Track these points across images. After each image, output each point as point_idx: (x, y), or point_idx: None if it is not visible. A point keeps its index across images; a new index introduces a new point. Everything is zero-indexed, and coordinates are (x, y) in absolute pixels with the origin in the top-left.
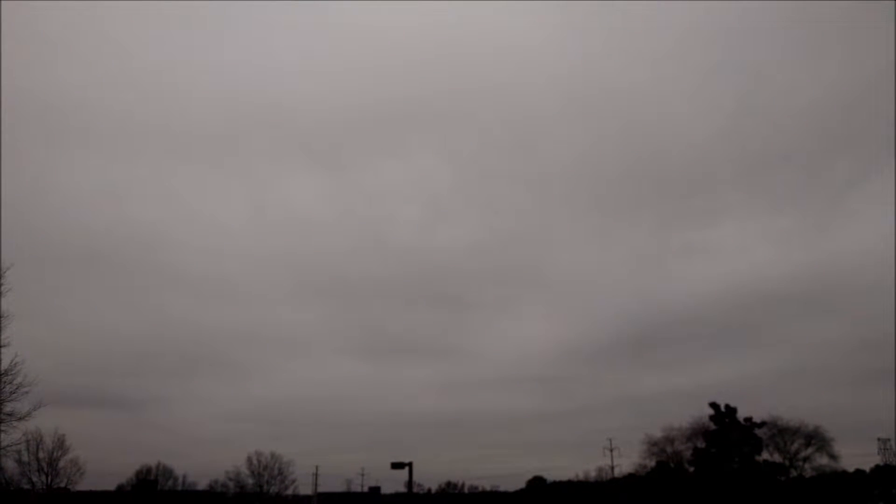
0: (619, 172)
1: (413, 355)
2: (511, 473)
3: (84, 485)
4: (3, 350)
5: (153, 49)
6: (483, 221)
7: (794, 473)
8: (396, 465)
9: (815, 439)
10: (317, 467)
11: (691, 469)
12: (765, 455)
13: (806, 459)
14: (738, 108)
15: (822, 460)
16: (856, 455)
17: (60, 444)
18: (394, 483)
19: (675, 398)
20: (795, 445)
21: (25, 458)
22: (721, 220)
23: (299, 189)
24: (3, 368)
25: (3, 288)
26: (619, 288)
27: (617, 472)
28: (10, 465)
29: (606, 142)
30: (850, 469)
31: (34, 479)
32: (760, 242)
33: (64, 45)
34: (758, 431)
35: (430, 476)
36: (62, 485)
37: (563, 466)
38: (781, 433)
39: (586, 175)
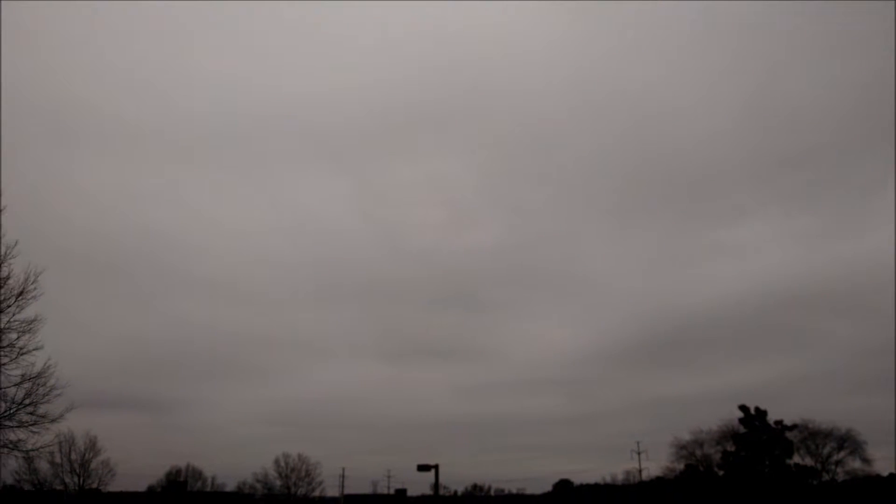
0: (639, 172)
1: (437, 357)
2: (536, 476)
3: (115, 486)
4: (36, 353)
5: (176, 54)
6: (505, 223)
7: (825, 477)
8: (423, 468)
9: (848, 442)
10: (343, 469)
11: (721, 472)
12: (796, 458)
13: (838, 463)
14: (760, 106)
15: (855, 464)
16: (889, 459)
17: (92, 446)
18: (420, 485)
19: (701, 401)
20: (827, 449)
21: (58, 459)
22: (745, 219)
23: (320, 194)
24: (36, 371)
25: (36, 292)
26: (642, 288)
27: (644, 476)
28: (44, 466)
29: (627, 142)
30: (884, 473)
31: (67, 480)
32: (787, 242)
33: (79, 50)
34: (788, 434)
35: (455, 478)
36: (94, 486)
37: (589, 469)
38: (813, 436)
39: (607, 175)
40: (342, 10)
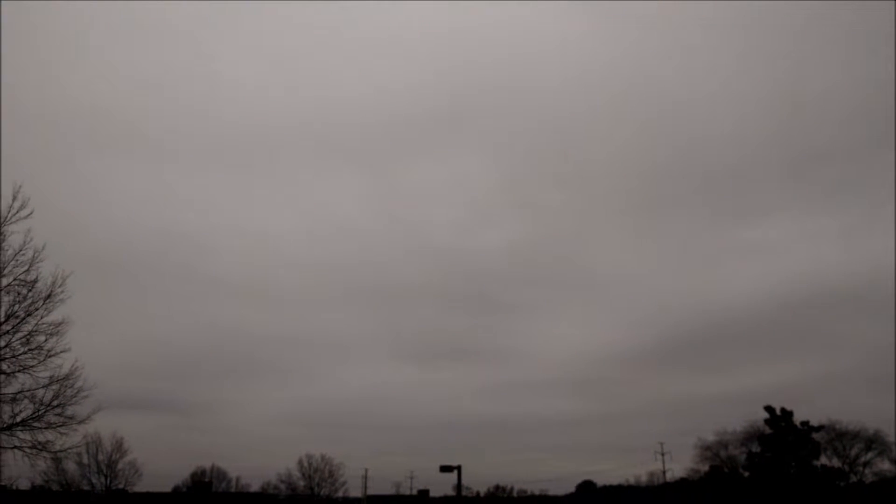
0: (658, 170)
1: (456, 358)
2: (557, 477)
3: (141, 486)
4: (64, 355)
5: (200, 58)
6: (524, 223)
7: (853, 479)
8: (445, 469)
9: (876, 444)
10: (366, 470)
11: (746, 474)
12: (823, 460)
13: (866, 465)
14: (784, 103)
15: (884, 465)
16: None
17: (119, 447)
18: (442, 486)
19: (721, 401)
20: (855, 450)
21: (86, 460)
22: (769, 217)
23: (342, 195)
24: (64, 373)
25: (63, 295)
26: (662, 288)
27: (668, 477)
28: (72, 467)
29: (645, 139)
30: None
31: (94, 480)
32: (811, 240)
33: (110, 54)
34: (815, 436)
35: (477, 479)
36: (120, 486)
37: (610, 470)
38: (840, 437)
39: (625, 174)
40: (360, 11)
